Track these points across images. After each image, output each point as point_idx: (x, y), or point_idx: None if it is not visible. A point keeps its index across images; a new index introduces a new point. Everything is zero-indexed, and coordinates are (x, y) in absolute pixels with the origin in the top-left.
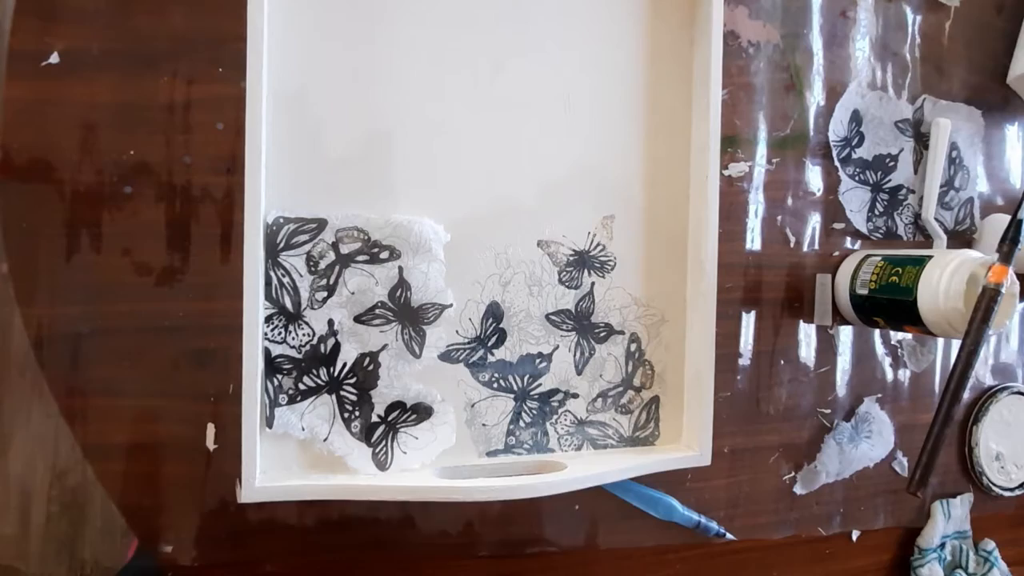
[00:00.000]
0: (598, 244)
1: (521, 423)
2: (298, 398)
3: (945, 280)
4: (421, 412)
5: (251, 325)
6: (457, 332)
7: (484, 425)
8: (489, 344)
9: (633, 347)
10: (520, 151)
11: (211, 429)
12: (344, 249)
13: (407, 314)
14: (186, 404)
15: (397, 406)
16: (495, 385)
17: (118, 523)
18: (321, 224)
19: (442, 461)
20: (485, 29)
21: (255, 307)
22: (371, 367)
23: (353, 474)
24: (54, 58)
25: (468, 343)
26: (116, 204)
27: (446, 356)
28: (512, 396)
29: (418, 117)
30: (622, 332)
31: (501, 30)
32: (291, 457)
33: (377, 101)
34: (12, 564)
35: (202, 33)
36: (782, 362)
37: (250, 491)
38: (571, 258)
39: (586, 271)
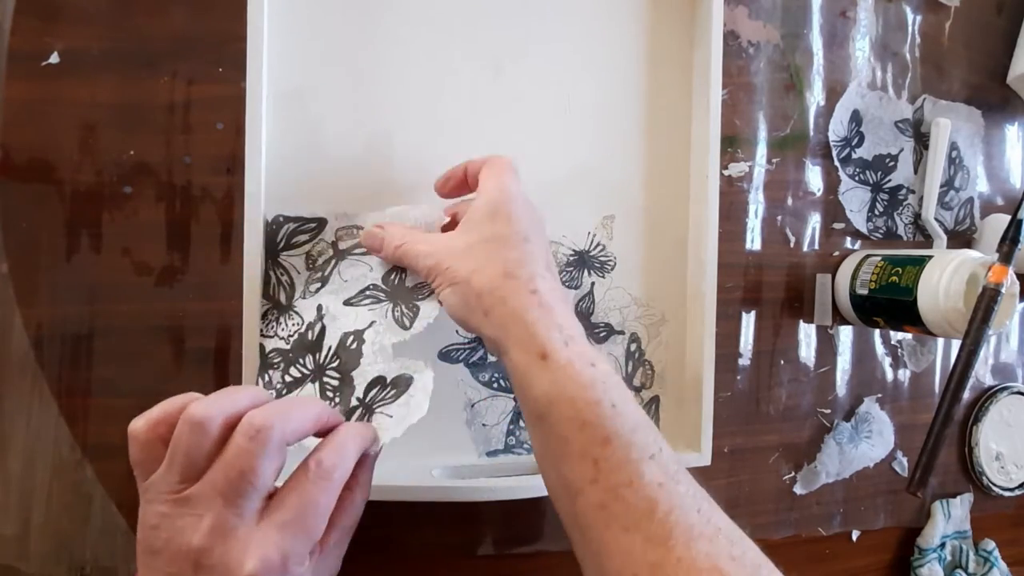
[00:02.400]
0: (598, 244)
1: (521, 423)
2: (284, 391)
3: (945, 280)
4: (400, 385)
5: (251, 325)
6: (457, 332)
7: (484, 425)
8: None
9: (633, 347)
10: (520, 151)
11: None
12: (342, 245)
13: (400, 294)
14: None
15: (377, 382)
16: (495, 385)
17: (118, 523)
18: (321, 224)
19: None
20: (485, 29)
21: (255, 307)
22: (354, 345)
23: None
24: (54, 58)
25: (468, 343)
26: (116, 204)
27: (446, 356)
28: (512, 396)
29: (418, 117)
30: (622, 332)
31: (501, 30)
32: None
33: (377, 101)
34: (12, 564)
35: (202, 33)
36: (782, 362)
37: None
38: (571, 258)
39: (586, 271)
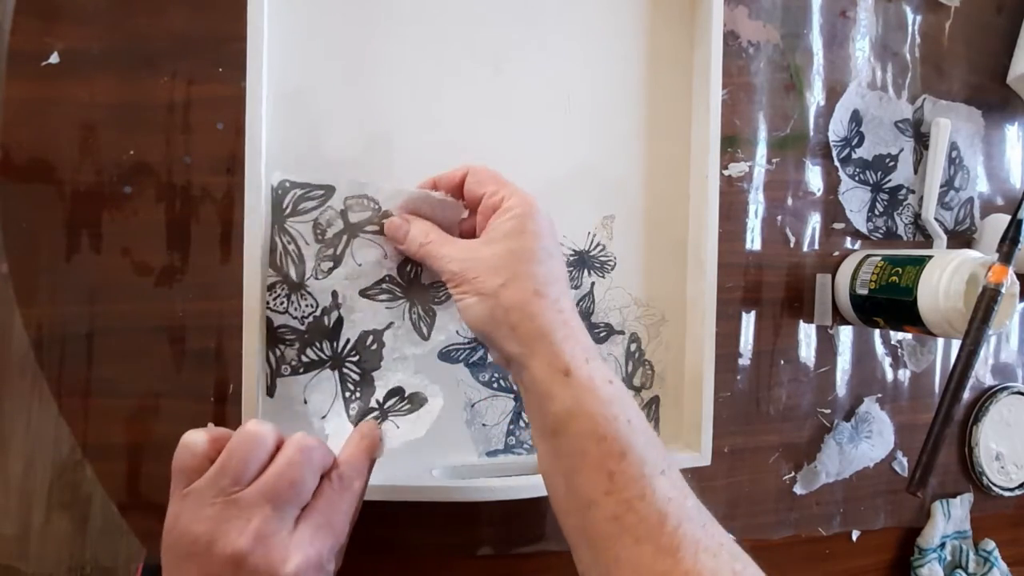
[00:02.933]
0: (598, 244)
1: (521, 423)
2: (301, 370)
3: (945, 280)
4: (415, 403)
5: (251, 325)
6: (457, 332)
7: (484, 425)
8: None
9: (633, 347)
10: (520, 151)
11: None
12: (353, 218)
13: (416, 292)
14: (186, 404)
15: (396, 392)
16: (495, 385)
17: (118, 523)
18: (329, 191)
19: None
20: (485, 29)
21: (255, 307)
22: (374, 346)
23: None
24: (54, 58)
25: (468, 343)
26: (116, 204)
27: (446, 356)
28: (512, 396)
29: (418, 117)
30: (622, 332)
31: (501, 30)
32: None
33: (377, 101)
34: (12, 564)
35: (202, 33)
36: (782, 362)
37: None
38: (571, 258)
39: (586, 271)
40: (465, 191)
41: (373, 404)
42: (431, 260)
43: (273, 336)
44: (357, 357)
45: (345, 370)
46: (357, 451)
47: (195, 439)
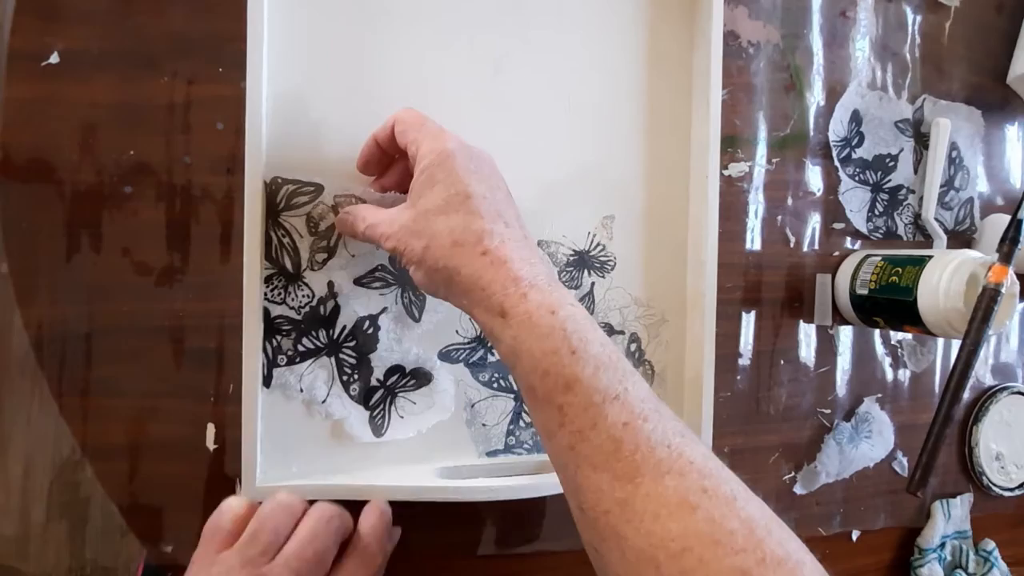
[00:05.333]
0: (598, 244)
1: (521, 423)
2: (297, 359)
3: (945, 280)
4: (420, 378)
5: (251, 325)
6: (457, 332)
7: (484, 425)
8: (489, 344)
9: (633, 347)
10: (520, 151)
11: (211, 429)
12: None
13: (408, 278)
14: (186, 404)
15: (396, 370)
16: (495, 385)
17: (118, 523)
18: (319, 188)
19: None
20: (486, 29)
21: (255, 307)
22: (371, 330)
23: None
24: (54, 58)
25: (468, 343)
26: (116, 204)
27: (446, 356)
28: (512, 396)
29: None
30: (622, 332)
31: (502, 30)
32: (291, 455)
33: (377, 101)
34: (12, 564)
35: (202, 33)
36: (782, 362)
37: (250, 491)
38: (571, 258)
39: (586, 271)
40: (398, 143)
41: (375, 383)
42: (376, 243)
43: (270, 327)
44: (354, 342)
45: (341, 355)
46: (379, 524)
47: (234, 503)
